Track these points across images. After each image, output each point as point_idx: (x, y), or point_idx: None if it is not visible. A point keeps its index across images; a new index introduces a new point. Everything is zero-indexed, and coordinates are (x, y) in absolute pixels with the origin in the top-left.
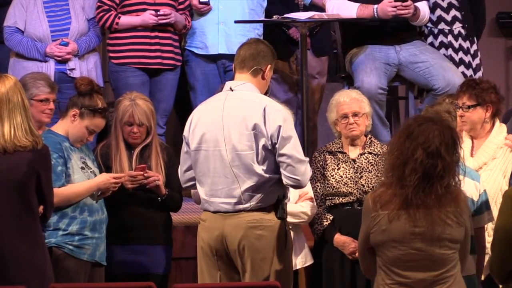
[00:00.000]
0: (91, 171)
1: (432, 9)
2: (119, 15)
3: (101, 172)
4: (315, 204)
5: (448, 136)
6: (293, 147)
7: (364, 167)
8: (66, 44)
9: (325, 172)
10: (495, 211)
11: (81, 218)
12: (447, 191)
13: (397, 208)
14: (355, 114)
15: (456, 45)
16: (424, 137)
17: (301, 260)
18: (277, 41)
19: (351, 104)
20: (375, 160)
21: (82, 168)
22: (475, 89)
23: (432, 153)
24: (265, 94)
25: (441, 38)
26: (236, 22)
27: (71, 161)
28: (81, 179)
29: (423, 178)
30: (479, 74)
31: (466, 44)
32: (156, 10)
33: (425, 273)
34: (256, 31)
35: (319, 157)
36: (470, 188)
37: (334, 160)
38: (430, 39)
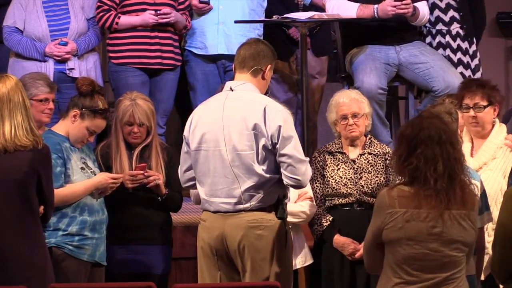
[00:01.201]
0: (91, 171)
1: (431, 10)
2: (119, 15)
3: (101, 172)
4: (314, 203)
5: (447, 123)
6: (293, 147)
7: (363, 167)
8: (65, 44)
9: (325, 173)
10: (495, 211)
11: (81, 219)
12: (467, 193)
13: (419, 207)
14: (354, 115)
15: (454, 45)
16: (451, 135)
17: (301, 259)
18: (277, 41)
19: (350, 105)
20: (374, 161)
21: (82, 168)
22: (485, 88)
23: (460, 147)
24: (265, 94)
25: (439, 38)
26: (236, 22)
27: (71, 162)
28: (81, 179)
29: (450, 174)
30: (478, 74)
31: (464, 45)
32: (156, 10)
33: (435, 274)
34: (256, 31)
35: (318, 158)
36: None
37: (333, 161)
38: (428, 39)
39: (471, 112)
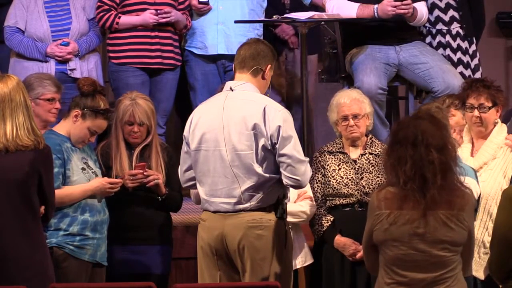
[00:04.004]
0: (92, 172)
1: (430, 10)
2: (119, 15)
3: (102, 172)
4: (314, 203)
5: (440, 124)
6: (293, 147)
7: (365, 168)
8: (67, 44)
9: (326, 173)
10: (495, 211)
11: (82, 219)
12: (454, 194)
13: (401, 208)
14: (355, 116)
15: (454, 45)
16: (430, 136)
17: (301, 259)
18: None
19: (351, 106)
20: (375, 161)
21: (83, 169)
22: (490, 89)
23: (442, 148)
24: (265, 94)
25: (439, 38)
26: (236, 22)
27: (71, 162)
28: (81, 180)
29: (442, 176)
30: (478, 74)
31: (464, 44)
32: (157, 10)
33: (424, 274)
34: (256, 31)
35: (319, 157)
36: (472, 187)
37: (334, 161)
38: (428, 39)
39: (476, 112)
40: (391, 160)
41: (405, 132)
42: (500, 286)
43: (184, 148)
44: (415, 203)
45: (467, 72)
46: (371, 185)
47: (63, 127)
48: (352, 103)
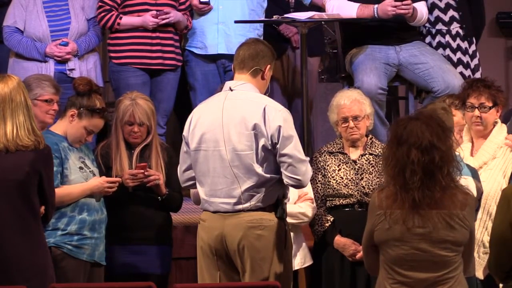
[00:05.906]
0: (90, 171)
1: (430, 10)
2: (121, 15)
3: (100, 171)
4: (314, 205)
5: (435, 125)
6: (294, 147)
7: (365, 168)
8: (66, 44)
9: (326, 173)
10: (495, 211)
11: (80, 218)
12: (451, 194)
13: (402, 207)
14: (355, 118)
15: (454, 45)
16: (414, 136)
17: (300, 260)
18: (270, 39)
19: (351, 107)
20: (375, 161)
21: (81, 168)
22: (491, 89)
23: (426, 148)
24: (265, 94)
25: (438, 38)
26: (236, 22)
27: (69, 162)
28: (78, 179)
29: (425, 176)
30: (478, 74)
31: (464, 45)
32: (157, 11)
33: (426, 273)
34: (256, 31)
35: (319, 158)
36: (470, 187)
37: (334, 161)
38: (428, 39)
39: (476, 112)
40: (396, 167)
41: (392, 132)
42: (500, 286)
43: (184, 148)
44: (421, 203)
45: (467, 72)
46: (371, 185)
47: (59, 127)
48: (352, 105)
